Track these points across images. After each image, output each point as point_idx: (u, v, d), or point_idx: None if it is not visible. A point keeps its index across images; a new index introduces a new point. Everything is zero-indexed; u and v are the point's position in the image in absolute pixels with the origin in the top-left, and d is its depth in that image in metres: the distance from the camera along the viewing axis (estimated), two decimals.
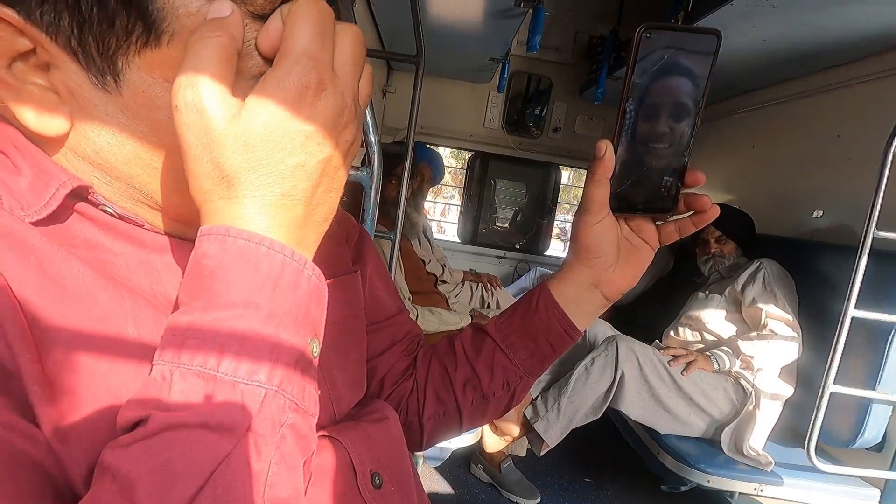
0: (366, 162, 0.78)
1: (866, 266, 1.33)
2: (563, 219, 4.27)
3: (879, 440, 1.55)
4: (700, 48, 0.41)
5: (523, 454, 2.03)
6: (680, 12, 1.85)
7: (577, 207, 0.48)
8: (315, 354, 0.31)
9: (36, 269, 0.30)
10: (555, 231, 3.75)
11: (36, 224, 0.31)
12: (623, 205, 0.46)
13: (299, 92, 0.28)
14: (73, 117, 0.31)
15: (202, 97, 0.27)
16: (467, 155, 3.62)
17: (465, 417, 0.57)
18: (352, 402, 0.51)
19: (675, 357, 1.75)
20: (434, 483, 1.97)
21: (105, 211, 0.34)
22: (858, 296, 1.35)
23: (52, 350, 0.29)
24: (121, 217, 0.35)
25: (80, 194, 0.33)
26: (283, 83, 0.28)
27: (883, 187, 1.31)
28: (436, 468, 2.01)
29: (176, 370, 0.27)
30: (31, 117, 0.30)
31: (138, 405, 0.27)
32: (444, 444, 1.59)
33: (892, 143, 1.31)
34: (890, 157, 1.31)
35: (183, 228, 0.40)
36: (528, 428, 1.80)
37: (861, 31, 1.64)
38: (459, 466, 2.07)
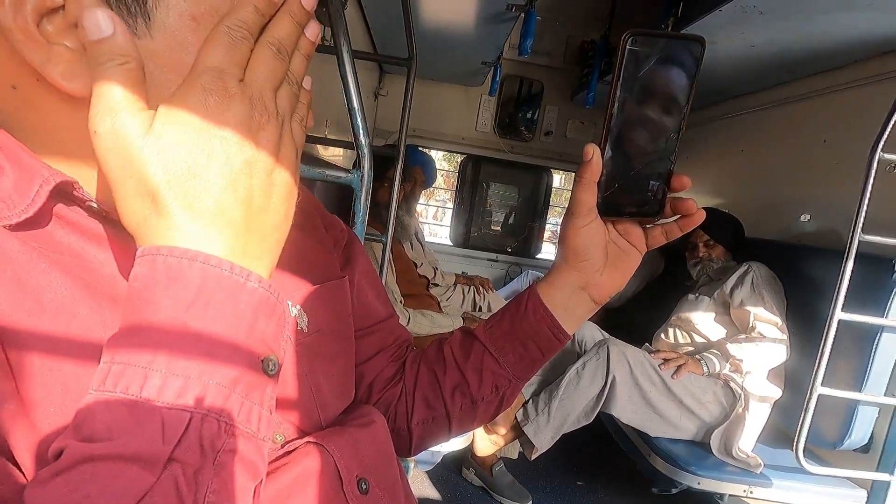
0: (357, 165, 0.78)
1: (853, 269, 1.35)
2: (554, 222, 4.29)
3: (866, 441, 1.57)
4: (685, 54, 0.42)
5: (515, 457, 2.03)
6: (669, 18, 1.87)
7: (565, 210, 0.48)
8: (270, 372, 0.29)
9: (12, 281, 0.29)
10: (547, 234, 3.76)
11: (20, 227, 0.31)
12: (610, 208, 0.46)
13: (203, 99, 0.27)
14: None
15: (118, 119, 0.27)
16: (459, 158, 3.63)
17: (454, 422, 0.57)
18: (339, 408, 0.50)
19: (666, 361, 1.76)
20: (425, 487, 1.96)
21: (91, 208, 0.34)
22: (845, 298, 1.36)
23: (26, 366, 0.28)
24: (107, 214, 0.34)
25: (65, 190, 0.33)
26: (189, 92, 0.28)
27: (868, 192, 1.33)
28: (427, 472, 2.00)
29: (101, 397, 0.25)
30: (58, 77, 0.29)
31: (64, 436, 0.25)
32: (435, 448, 1.59)
33: (876, 149, 1.33)
34: (875, 163, 1.33)
35: None
36: (519, 431, 1.80)
37: (846, 38, 1.66)
38: (451, 470, 2.07)
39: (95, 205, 0.34)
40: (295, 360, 0.45)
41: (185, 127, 0.27)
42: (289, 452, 0.42)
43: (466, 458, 2.03)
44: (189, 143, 0.27)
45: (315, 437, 0.44)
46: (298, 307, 0.47)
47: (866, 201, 1.33)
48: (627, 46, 0.41)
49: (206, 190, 0.27)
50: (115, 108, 0.27)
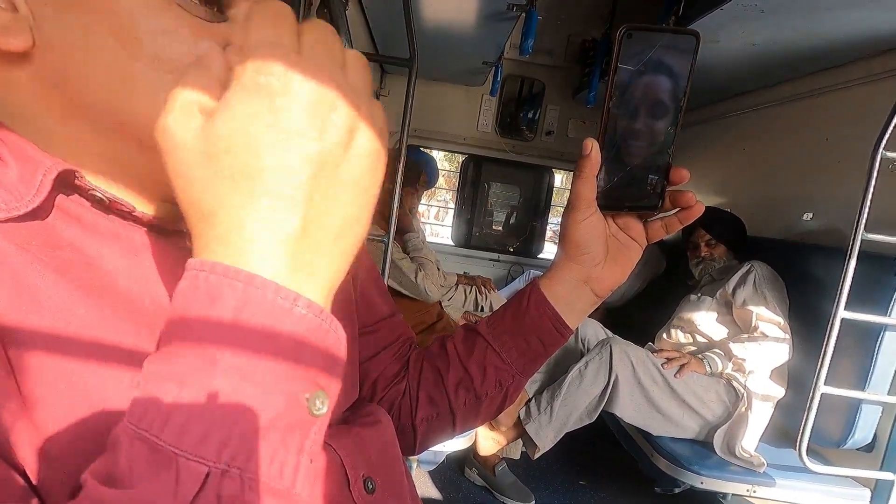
0: None
1: (855, 268, 1.34)
2: (556, 221, 4.28)
3: (870, 440, 1.56)
4: (680, 48, 0.42)
5: (517, 457, 2.03)
6: (670, 16, 1.87)
7: (566, 205, 0.49)
8: (317, 412, 0.25)
9: (9, 281, 0.29)
10: (548, 234, 3.76)
11: (26, 218, 0.31)
12: (610, 202, 0.47)
13: (258, 83, 0.24)
14: (38, 45, 0.29)
15: (170, 118, 0.24)
16: (461, 158, 3.63)
17: (459, 419, 0.57)
18: (344, 405, 0.50)
19: (669, 360, 1.76)
20: (428, 487, 1.96)
21: (94, 196, 0.34)
22: (848, 297, 1.36)
23: (26, 365, 0.28)
24: (111, 202, 0.34)
25: (67, 179, 0.33)
26: (242, 80, 0.24)
27: (871, 190, 1.33)
28: (429, 472, 2.00)
29: (127, 428, 0.23)
30: None
31: (91, 468, 0.24)
32: (437, 447, 1.59)
33: (879, 147, 1.33)
34: (878, 161, 1.33)
35: (174, 210, 0.40)
36: (522, 430, 1.80)
37: (849, 36, 1.66)
38: (453, 470, 2.07)
39: (99, 193, 0.34)
40: None
41: (239, 119, 0.23)
42: None
43: (469, 457, 2.03)
44: (243, 139, 0.23)
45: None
46: None
47: (869, 200, 1.33)
48: (623, 41, 0.41)
49: (257, 192, 0.24)
50: (172, 107, 0.24)
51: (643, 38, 0.41)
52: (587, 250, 0.49)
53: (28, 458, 0.28)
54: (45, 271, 0.31)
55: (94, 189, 0.33)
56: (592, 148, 0.44)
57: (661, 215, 0.48)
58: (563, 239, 0.50)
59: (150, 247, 0.37)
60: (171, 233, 0.39)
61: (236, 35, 0.28)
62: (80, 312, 0.31)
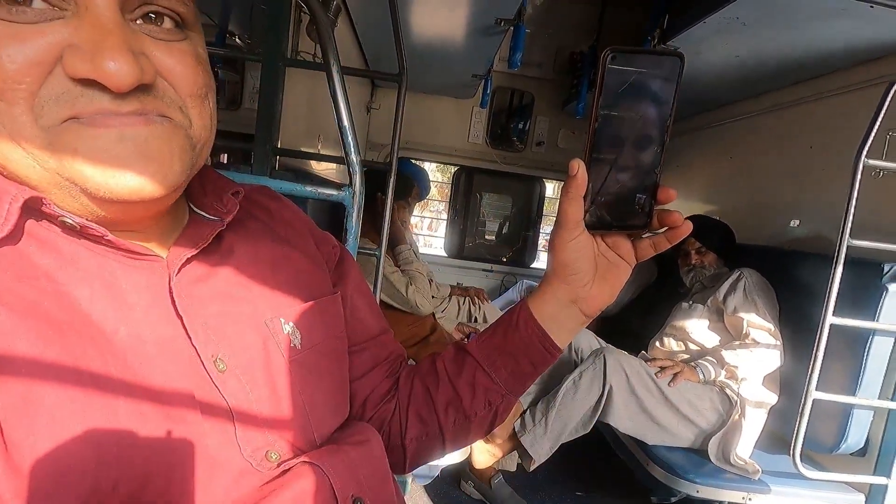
0: (348, 182, 0.79)
1: (842, 274, 1.36)
2: (548, 231, 4.30)
3: (862, 445, 1.57)
4: (665, 70, 0.42)
5: (513, 469, 2.02)
6: (656, 30, 1.90)
7: (553, 224, 0.49)
8: None
9: None
10: (541, 243, 3.77)
11: None
12: (598, 222, 0.47)
13: None
14: None
15: None
16: (453, 169, 3.65)
17: (448, 438, 0.57)
18: (333, 424, 0.50)
19: (662, 369, 1.76)
20: (423, 502, 1.94)
21: (65, 222, 0.34)
22: (836, 303, 1.38)
23: (2, 407, 0.28)
24: (82, 228, 0.34)
25: (35, 206, 0.33)
26: None
27: (855, 197, 1.35)
28: (425, 486, 1.98)
29: None
30: None
31: None
32: (433, 461, 1.57)
33: (861, 155, 1.36)
34: (860, 168, 1.35)
35: (146, 237, 0.39)
36: (517, 442, 1.79)
37: (828, 48, 1.70)
38: (449, 484, 2.05)
39: (69, 219, 0.34)
40: (288, 378, 0.45)
41: None
42: (284, 472, 0.42)
43: (465, 471, 2.01)
44: None
45: (310, 456, 0.44)
46: (292, 324, 0.48)
47: (853, 206, 1.35)
48: (607, 64, 0.41)
49: None
50: None
51: (628, 59, 0.41)
52: (575, 270, 0.49)
53: (4, 495, 0.28)
54: (9, 314, 0.30)
55: (62, 215, 0.33)
56: (579, 169, 0.44)
57: (649, 234, 0.49)
58: (551, 259, 0.50)
59: (127, 273, 0.37)
60: (149, 258, 0.39)
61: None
62: (50, 354, 0.31)
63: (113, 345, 0.35)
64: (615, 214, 0.46)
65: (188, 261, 0.42)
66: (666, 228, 0.47)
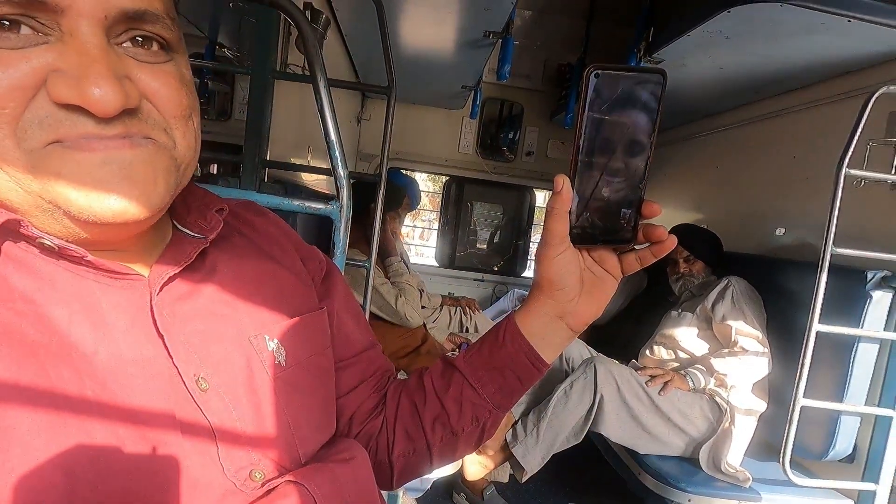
0: (336, 196, 0.79)
1: (827, 281, 1.38)
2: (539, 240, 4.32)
3: (850, 451, 1.58)
4: (648, 86, 0.43)
5: (506, 480, 2.00)
6: (641, 42, 1.93)
7: (539, 240, 0.49)
8: None
9: None
10: (532, 252, 3.79)
11: None
12: (583, 237, 0.47)
13: None
14: None
15: None
16: (444, 179, 3.66)
17: (435, 454, 0.57)
18: (319, 442, 0.50)
19: (652, 377, 1.77)
20: None
21: (44, 244, 0.34)
22: (821, 310, 1.39)
23: None
24: (61, 249, 0.34)
25: (12, 228, 0.32)
26: None
27: (837, 206, 1.38)
28: (417, 499, 1.96)
29: None
30: None
31: None
32: (417, 477, 1.56)
33: (843, 165, 1.38)
34: (842, 178, 1.38)
35: (126, 256, 0.39)
36: (509, 453, 1.79)
37: (809, 60, 1.74)
38: (441, 496, 2.03)
39: (47, 241, 0.33)
40: (273, 395, 0.45)
41: None
42: (269, 492, 0.42)
43: (457, 483, 1.99)
44: None
45: (295, 475, 0.43)
46: (276, 341, 0.47)
47: (836, 215, 1.38)
48: (591, 80, 0.42)
49: None
50: None
51: (610, 77, 0.42)
52: (562, 286, 0.49)
53: None
54: None
55: (40, 237, 0.33)
56: (564, 185, 0.44)
57: (634, 248, 0.49)
58: (537, 274, 0.50)
59: (107, 293, 0.37)
60: (129, 276, 0.39)
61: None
62: (25, 379, 0.31)
63: (92, 366, 0.34)
64: (601, 229, 0.47)
65: (170, 279, 0.41)
66: (651, 243, 0.48)
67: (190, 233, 0.46)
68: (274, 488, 0.42)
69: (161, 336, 0.39)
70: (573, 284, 0.49)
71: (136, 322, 0.39)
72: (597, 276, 0.50)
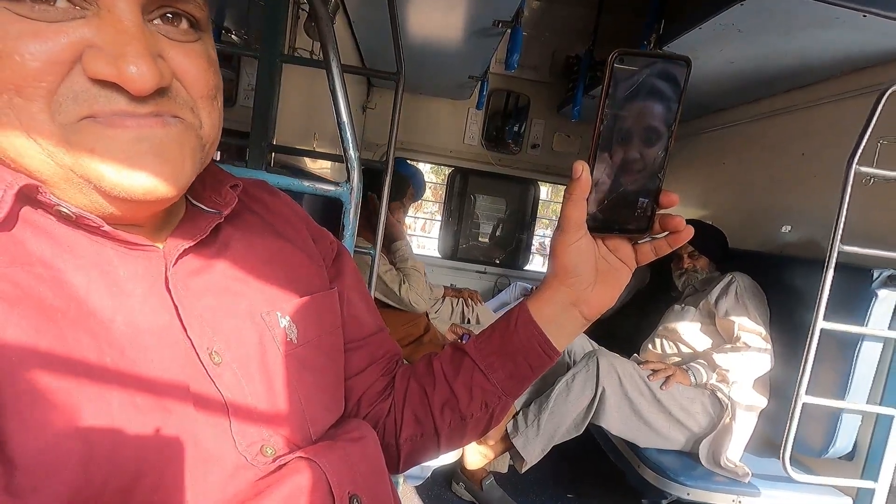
0: (346, 178, 0.78)
1: (833, 279, 1.38)
2: (542, 233, 4.32)
3: (850, 449, 1.59)
4: (671, 74, 0.42)
5: (505, 471, 2.01)
6: (652, 35, 1.92)
7: (555, 226, 0.49)
8: None
9: None
10: (534, 246, 3.78)
11: None
12: (600, 225, 0.46)
13: None
14: None
15: None
16: (448, 170, 3.65)
17: (443, 439, 0.57)
18: (329, 421, 0.50)
19: (655, 371, 1.77)
20: (414, 503, 1.93)
21: (61, 212, 0.33)
22: (826, 308, 1.39)
23: None
24: (78, 218, 0.34)
25: (30, 194, 0.32)
26: None
27: (846, 203, 1.37)
28: (416, 487, 1.97)
29: None
30: None
31: None
32: (424, 462, 1.57)
33: (853, 162, 1.37)
34: (852, 175, 1.37)
35: (142, 230, 0.39)
36: (509, 443, 1.79)
37: (822, 56, 1.72)
38: (440, 485, 2.04)
39: (65, 208, 0.33)
40: (284, 372, 0.45)
41: None
42: (280, 467, 0.42)
43: (456, 472, 2.01)
44: None
45: (306, 451, 0.43)
46: (288, 318, 0.47)
47: (844, 212, 1.37)
48: (614, 65, 0.41)
49: None
50: None
51: (634, 62, 0.41)
52: (577, 273, 0.48)
53: None
54: (1, 301, 0.30)
55: (58, 204, 0.33)
56: (583, 171, 0.44)
57: (650, 238, 0.48)
58: (552, 261, 0.49)
59: (124, 263, 0.37)
60: (145, 248, 0.38)
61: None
62: (43, 344, 0.31)
63: (110, 333, 0.34)
64: (617, 218, 0.46)
65: (185, 252, 0.41)
66: (667, 233, 0.47)
67: (204, 207, 0.45)
68: (286, 464, 0.42)
69: (176, 307, 0.39)
70: (588, 272, 0.49)
71: (153, 292, 0.38)
72: (611, 264, 0.50)
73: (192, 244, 0.41)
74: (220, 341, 0.41)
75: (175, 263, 0.40)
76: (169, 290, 0.39)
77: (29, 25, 0.30)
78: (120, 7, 0.32)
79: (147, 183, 0.34)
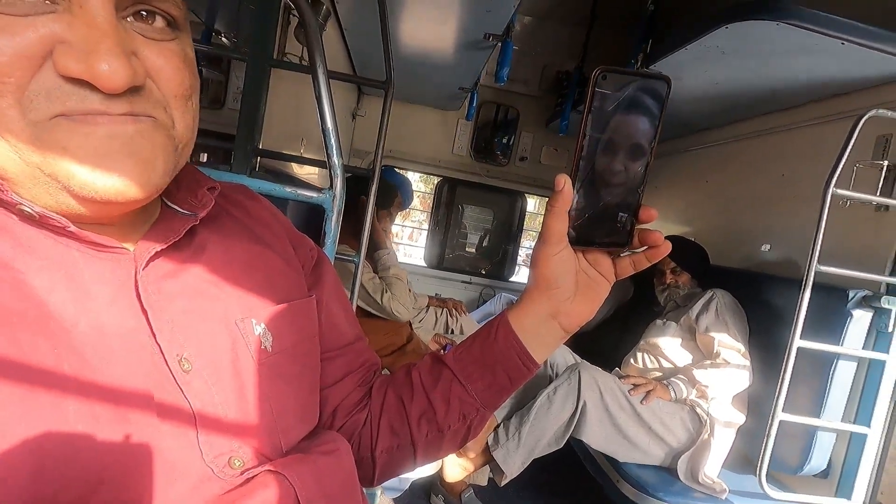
0: (329, 185, 0.78)
1: (810, 298, 1.40)
2: (528, 245, 4.33)
3: (825, 467, 1.61)
4: (652, 92, 0.44)
5: (485, 484, 2.00)
6: (639, 54, 1.95)
7: (536, 238, 0.49)
8: None
9: None
10: (521, 257, 3.80)
11: None
12: (581, 238, 0.47)
13: None
14: None
15: None
16: (436, 180, 3.66)
17: (420, 451, 0.56)
18: (301, 432, 0.49)
19: (636, 386, 1.78)
20: None
21: (23, 211, 0.32)
22: (803, 326, 1.41)
23: None
24: (42, 217, 0.33)
25: None
26: None
27: (823, 225, 1.40)
28: (394, 499, 1.94)
29: None
30: None
31: None
32: (403, 474, 1.54)
33: (830, 185, 1.41)
34: (829, 198, 1.41)
35: (112, 230, 0.38)
36: (489, 456, 1.78)
37: (802, 81, 1.77)
38: (419, 497, 2.01)
39: (27, 208, 0.32)
40: (257, 381, 0.44)
41: None
42: (248, 480, 0.41)
43: (435, 484, 1.98)
44: None
45: (275, 465, 0.42)
46: (263, 325, 0.46)
47: (821, 233, 1.40)
48: (597, 82, 0.42)
49: None
50: None
51: (616, 79, 0.42)
52: (557, 284, 0.49)
53: None
54: None
55: (20, 203, 0.32)
56: (565, 184, 0.44)
57: (629, 252, 0.49)
58: (533, 272, 0.50)
59: (90, 265, 0.36)
60: (114, 250, 0.37)
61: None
62: None
63: (71, 338, 0.33)
64: (597, 231, 0.47)
65: (157, 255, 0.40)
66: (646, 247, 0.48)
67: (179, 209, 0.44)
68: (253, 477, 0.41)
69: (145, 312, 0.38)
70: (569, 284, 0.49)
71: (120, 295, 0.37)
72: (591, 277, 0.50)
73: (164, 247, 0.40)
74: (190, 347, 0.40)
75: (146, 266, 0.39)
76: (138, 294, 0.38)
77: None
78: (92, 2, 0.31)
79: (118, 184, 0.34)
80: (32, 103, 0.31)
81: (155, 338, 0.38)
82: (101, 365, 0.34)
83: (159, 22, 0.36)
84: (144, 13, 0.35)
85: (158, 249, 0.40)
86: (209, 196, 0.45)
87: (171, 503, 0.36)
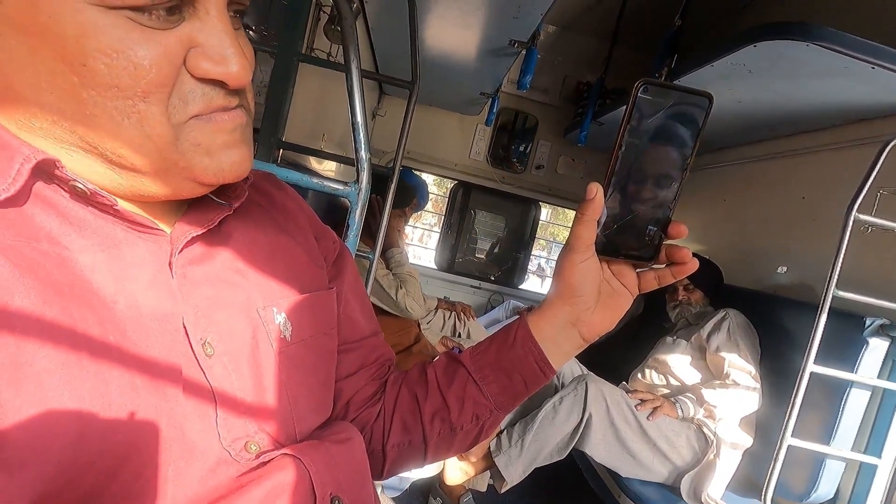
0: (356, 179, 0.78)
1: (825, 323, 1.38)
2: (539, 254, 4.32)
3: (832, 496, 1.58)
4: (693, 108, 0.43)
5: (484, 489, 1.99)
6: (663, 69, 1.95)
7: (563, 245, 0.49)
8: None
9: None
10: (532, 267, 3.78)
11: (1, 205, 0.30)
12: (607, 248, 0.47)
13: None
14: None
15: None
16: (450, 183, 3.66)
17: (431, 449, 0.56)
18: (315, 422, 0.49)
19: (643, 401, 1.76)
20: None
21: (76, 188, 0.33)
22: (817, 352, 1.39)
23: None
24: (92, 194, 0.34)
25: (46, 169, 0.32)
26: None
27: (843, 250, 1.38)
28: (393, 499, 1.94)
29: None
30: None
31: None
32: (404, 474, 1.54)
33: (852, 209, 1.39)
34: (851, 222, 1.39)
35: (151, 210, 0.39)
36: (491, 461, 1.77)
37: (828, 103, 1.75)
38: (417, 499, 2.01)
39: (80, 184, 0.33)
40: (275, 369, 0.44)
41: None
42: (263, 464, 0.41)
43: (434, 486, 1.98)
44: None
45: (291, 449, 0.42)
46: (284, 315, 0.47)
47: (841, 258, 1.38)
48: (639, 94, 0.42)
49: None
50: None
51: (659, 93, 0.42)
52: (581, 292, 0.49)
53: None
54: (16, 272, 0.30)
55: (74, 180, 0.33)
56: (597, 193, 0.44)
57: (654, 266, 0.49)
58: (557, 279, 0.50)
59: (132, 245, 0.37)
60: (154, 231, 0.38)
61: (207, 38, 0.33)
62: (49, 315, 0.30)
63: (113, 314, 0.34)
64: (625, 243, 0.47)
65: (192, 240, 0.41)
66: (671, 263, 0.48)
67: (215, 198, 0.45)
68: (269, 461, 0.41)
69: (176, 295, 0.39)
70: (591, 293, 0.49)
71: (157, 277, 0.38)
72: (614, 289, 0.50)
73: (200, 232, 0.41)
74: (213, 332, 0.40)
75: (181, 251, 0.40)
76: (173, 277, 0.39)
77: (143, 33, 0.31)
78: (215, 8, 0.34)
79: (238, 169, 0.38)
80: (175, 108, 0.34)
81: (182, 320, 0.39)
82: (142, 342, 0.35)
83: (239, 17, 0.39)
84: (240, 12, 0.39)
85: (195, 235, 0.41)
86: (243, 187, 0.46)
87: (188, 483, 0.36)
